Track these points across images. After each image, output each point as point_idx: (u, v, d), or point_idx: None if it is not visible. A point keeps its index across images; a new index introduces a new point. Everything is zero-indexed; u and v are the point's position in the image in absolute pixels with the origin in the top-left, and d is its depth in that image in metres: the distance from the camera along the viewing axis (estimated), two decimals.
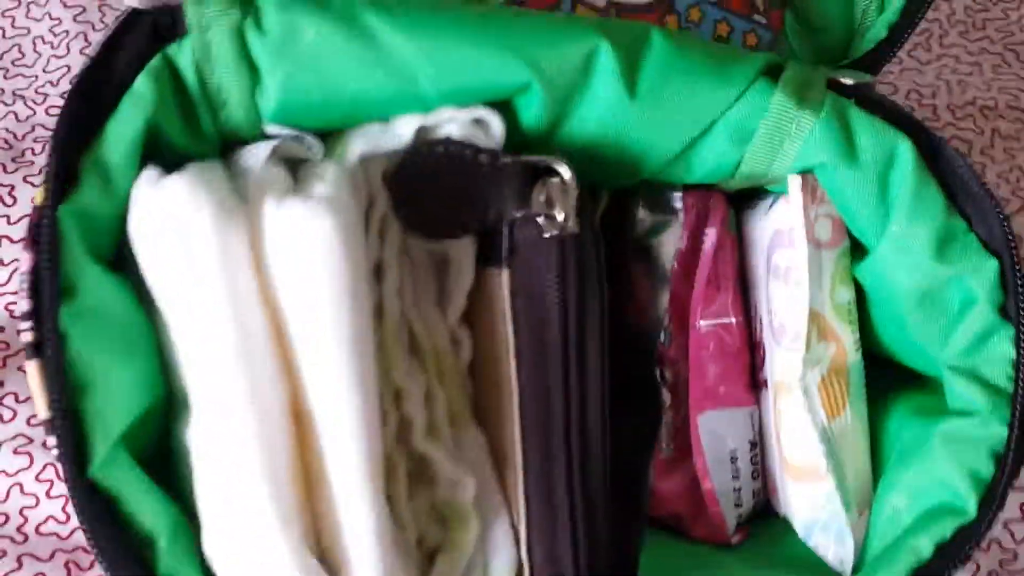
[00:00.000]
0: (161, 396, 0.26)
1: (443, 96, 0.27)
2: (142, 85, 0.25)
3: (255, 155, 0.26)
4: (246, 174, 0.25)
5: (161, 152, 0.26)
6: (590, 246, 0.27)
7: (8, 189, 0.45)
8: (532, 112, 0.28)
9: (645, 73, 0.28)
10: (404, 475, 0.27)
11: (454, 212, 0.27)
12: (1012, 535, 0.40)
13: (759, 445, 0.34)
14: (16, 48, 0.49)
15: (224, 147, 0.28)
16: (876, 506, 0.30)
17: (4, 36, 0.49)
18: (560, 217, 0.27)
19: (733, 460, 0.34)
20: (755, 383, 0.34)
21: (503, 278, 0.27)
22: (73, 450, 0.24)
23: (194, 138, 0.27)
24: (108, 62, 0.25)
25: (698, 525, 0.35)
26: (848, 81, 0.30)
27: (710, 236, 0.32)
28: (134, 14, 0.25)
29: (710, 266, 0.33)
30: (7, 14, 0.50)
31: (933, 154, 0.29)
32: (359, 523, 0.25)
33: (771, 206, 0.32)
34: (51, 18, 0.50)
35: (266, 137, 0.28)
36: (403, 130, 0.27)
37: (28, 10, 0.50)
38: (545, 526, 0.27)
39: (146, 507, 0.24)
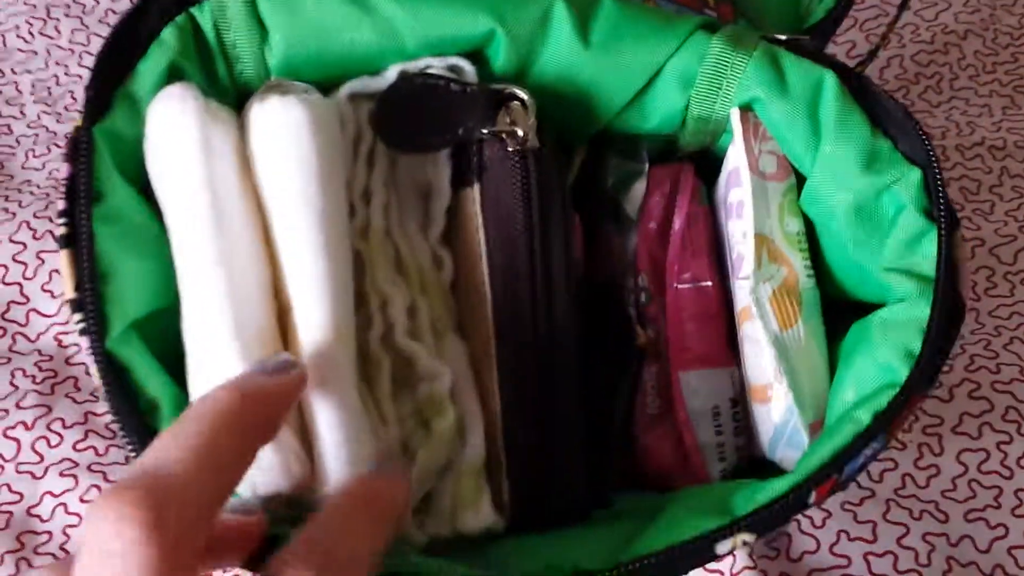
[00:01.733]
0: (170, 303, 0.30)
1: (423, 47, 0.32)
2: (168, 35, 0.30)
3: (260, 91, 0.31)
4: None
5: None
6: (548, 159, 0.31)
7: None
8: (500, 60, 0.32)
9: (596, 25, 0.32)
10: (388, 373, 0.30)
11: (430, 130, 0.31)
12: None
13: (741, 404, 0.36)
14: (69, 94, 0.55)
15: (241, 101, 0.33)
16: (829, 408, 0.32)
17: (58, 83, 0.56)
18: (521, 134, 0.31)
19: (716, 415, 0.36)
20: (734, 345, 0.36)
21: (475, 192, 0.31)
22: (95, 323, 0.27)
23: (212, 86, 0.32)
24: (141, 16, 0.30)
25: (683, 479, 0.36)
26: (781, 37, 0.34)
27: (681, 205, 0.36)
28: None
29: (682, 233, 0.36)
30: (61, 62, 0.56)
31: (857, 88, 0.32)
32: (329, 407, 0.27)
33: (726, 157, 0.36)
34: None
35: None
36: (388, 75, 0.32)
37: (81, 58, 0.56)
38: (517, 411, 0.30)
39: (152, 380, 0.28)
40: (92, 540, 0.20)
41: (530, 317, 0.31)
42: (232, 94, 0.32)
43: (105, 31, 0.57)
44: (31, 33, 0.57)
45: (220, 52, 0.32)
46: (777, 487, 0.29)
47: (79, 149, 0.29)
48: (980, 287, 0.47)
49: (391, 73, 0.32)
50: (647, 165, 0.35)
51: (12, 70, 0.56)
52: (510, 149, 0.31)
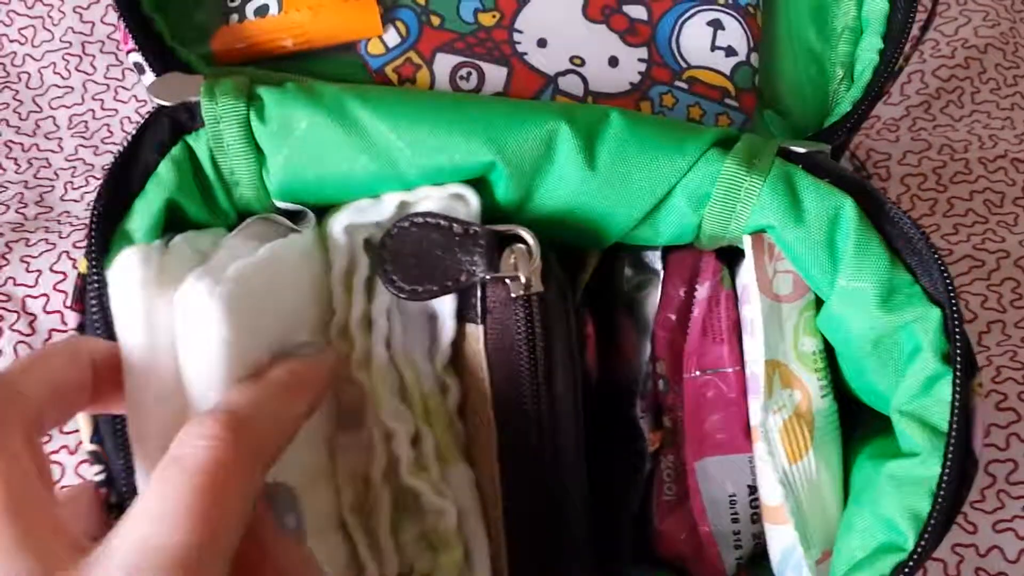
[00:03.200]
0: None
1: (421, 176, 0.31)
2: (164, 169, 0.30)
3: (240, 228, 0.30)
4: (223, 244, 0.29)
5: (182, 225, 0.31)
6: (553, 303, 0.30)
7: None
8: (502, 188, 0.31)
9: (603, 148, 0.31)
10: (388, 509, 0.30)
11: (433, 277, 0.30)
12: None
13: (759, 491, 0.36)
14: (106, 127, 0.56)
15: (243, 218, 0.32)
16: (836, 550, 0.31)
17: (95, 116, 0.56)
18: (524, 279, 0.30)
19: (732, 503, 0.35)
20: None
21: (479, 332, 0.30)
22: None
23: (212, 213, 0.31)
24: (137, 150, 0.30)
25: (699, 567, 0.36)
26: (799, 149, 0.32)
27: (702, 290, 0.35)
28: (160, 109, 0.30)
29: (703, 319, 0.35)
30: (96, 97, 0.57)
31: (877, 212, 0.31)
32: None
33: (740, 267, 0.35)
34: (137, 100, 0.57)
35: (278, 210, 0.32)
36: (387, 204, 0.31)
37: (116, 93, 0.57)
38: (524, 546, 0.30)
39: None
40: (178, 446, 0.23)
41: (535, 451, 0.30)
42: (233, 216, 0.32)
43: None
44: (67, 69, 0.58)
45: (218, 179, 0.31)
46: None
47: (87, 297, 0.29)
48: (1006, 299, 0.47)
49: (388, 203, 0.31)
50: (662, 272, 0.34)
51: (50, 105, 0.57)
52: (513, 295, 0.30)
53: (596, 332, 0.35)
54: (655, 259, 0.34)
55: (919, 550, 0.27)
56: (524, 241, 0.30)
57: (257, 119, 0.30)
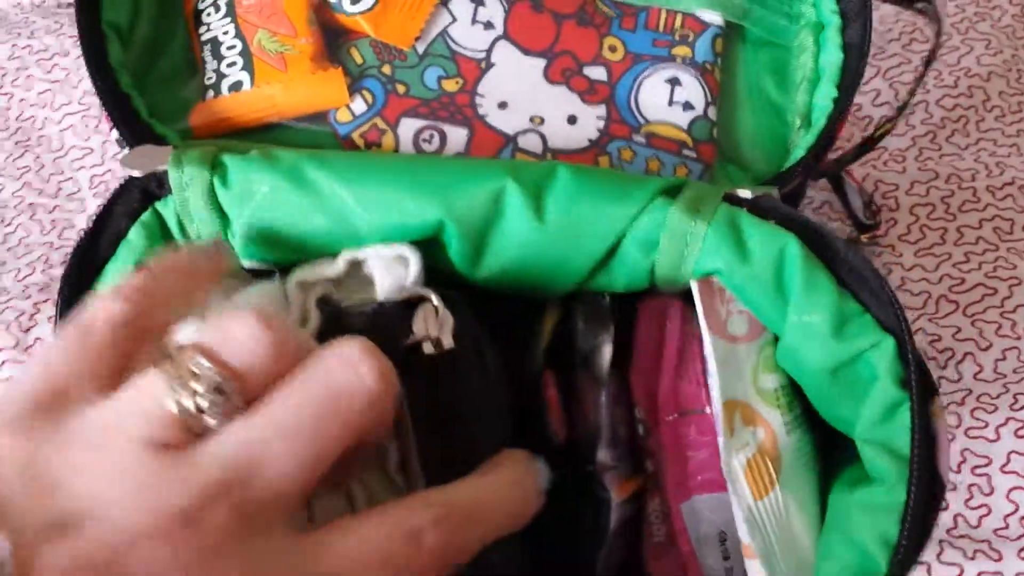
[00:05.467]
0: None
1: (374, 233, 0.32)
2: (135, 235, 0.32)
3: None
4: None
5: None
6: (464, 358, 0.31)
7: None
8: (455, 246, 0.33)
9: (551, 200, 0.32)
10: None
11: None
12: None
13: None
14: None
15: None
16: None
17: (115, 176, 0.58)
18: (434, 335, 0.30)
19: (722, 541, 0.35)
20: None
21: (402, 395, 0.31)
22: None
23: None
24: (108, 218, 0.32)
25: None
26: (746, 194, 0.33)
27: (671, 335, 0.35)
28: (130, 179, 0.32)
29: (674, 362, 0.35)
30: (116, 157, 0.59)
31: (822, 248, 0.31)
32: None
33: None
34: None
35: (244, 271, 0.34)
36: (339, 261, 0.32)
37: None
38: None
39: None
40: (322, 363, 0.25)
41: None
42: None
43: None
44: (86, 131, 0.61)
45: (186, 243, 0.33)
46: None
47: None
48: (1020, 326, 0.48)
49: (340, 261, 0.32)
50: (612, 328, 0.34)
51: (71, 166, 0.59)
52: (427, 353, 0.30)
53: (560, 395, 0.35)
54: (606, 309, 0.35)
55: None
56: (429, 301, 0.31)
57: (221, 185, 0.32)
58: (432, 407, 0.30)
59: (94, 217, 0.32)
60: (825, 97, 0.38)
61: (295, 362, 0.25)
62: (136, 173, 0.32)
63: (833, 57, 0.39)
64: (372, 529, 0.25)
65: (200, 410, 0.23)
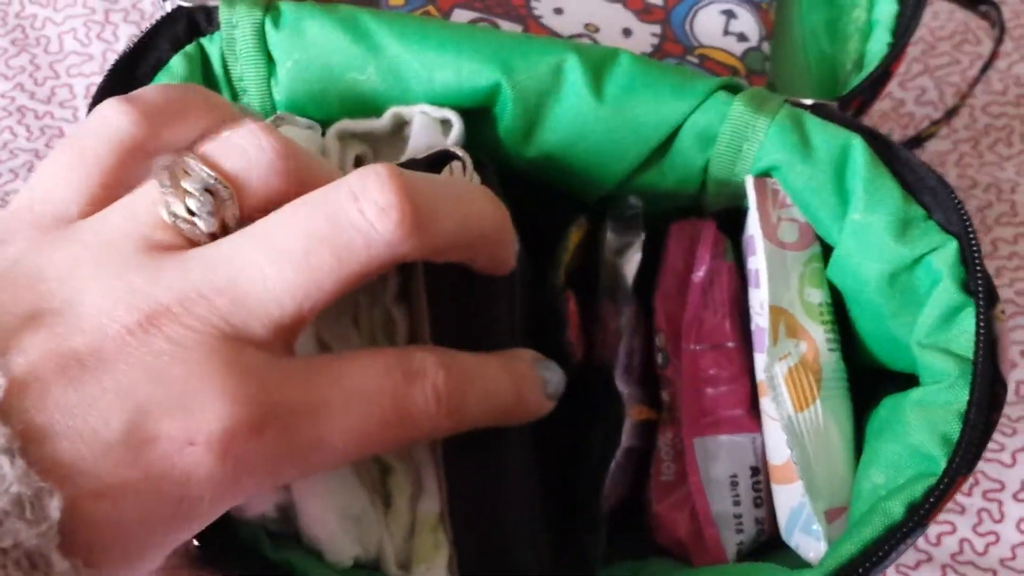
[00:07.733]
0: None
1: (426, 95, 0.31)
2: (176, 63, 0.30)
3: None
4: None
5: None
6: None
7: None
8: (508, 117, 0.31)
9: (611, 82, 0.31)
10: None
11: None
12: None
13: (763, 473, 0.33)
14: None
15: None
16: (856, 491, 0.29)
17: None
18: None
19: (733, 484, 0.33)
20: (757, 409, 0.34)
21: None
22: None
23: None
24: (151, 42, 0.30)
25: (698, 551, 0.33)
26: (807, 101, 0.32)
27: (702, 261, 0.34)
28: (179, 9, 0.31)
29: (703, 290, 0.34)
30: None
31: (887, 153, 0.30)
32: None
33: (745, 222, 0.34)
34: None
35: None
36: (384, 117, 0.31)
37: None
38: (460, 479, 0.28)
39: None
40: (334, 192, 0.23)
41: None
42: None
43: None
44: (88, 37, 0.56)
45: (227, 83, 0.31)
46: None
47: None
48: None
49: (388, 114, 0.31)
50: (643, 235, 0.33)
51: (67, 72, 0.55)
52: None
53: (580, 314, 0.34)
54: (637, 219, 0.34)
55: (950, 470, 0.25)
56: (458, 158, 0.29)
57: (272, 26, 0.31)
58: (448, 279, 0.29)
59: (136, 38, 0.30)
60: (879, 42, 0.38)
61: (308, 186, 0.23)
62: (186, 2, 0.31)
63: (888, 8, 0.39)
64: (370, 361, 0.24)
65: (191, 212, 0.23)
